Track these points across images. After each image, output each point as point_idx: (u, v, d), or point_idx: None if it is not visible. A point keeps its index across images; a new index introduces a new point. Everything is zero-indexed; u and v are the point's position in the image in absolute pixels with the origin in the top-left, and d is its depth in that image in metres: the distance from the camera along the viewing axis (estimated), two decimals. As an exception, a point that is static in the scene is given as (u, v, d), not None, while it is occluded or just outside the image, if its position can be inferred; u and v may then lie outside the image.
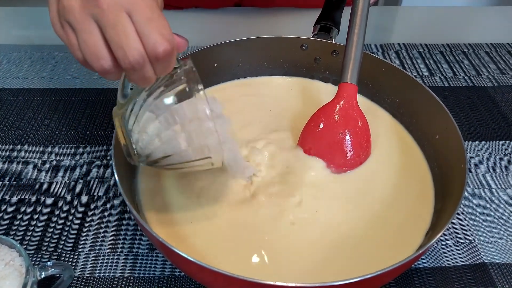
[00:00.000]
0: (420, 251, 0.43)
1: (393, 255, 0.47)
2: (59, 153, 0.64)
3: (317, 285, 0.39)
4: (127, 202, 0.44)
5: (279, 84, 0.71)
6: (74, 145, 0.65)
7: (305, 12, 0.93)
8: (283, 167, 0.56)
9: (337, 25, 0.69)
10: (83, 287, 0.50)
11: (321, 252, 0.49)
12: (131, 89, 0.44)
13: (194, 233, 0.50)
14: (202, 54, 0.64)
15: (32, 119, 0.70)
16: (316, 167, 0.56)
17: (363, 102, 0.66)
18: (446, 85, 0.78)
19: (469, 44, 0.88)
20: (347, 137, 0.56)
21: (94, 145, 0.65)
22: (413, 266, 0.52)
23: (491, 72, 0.82)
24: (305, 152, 0.58)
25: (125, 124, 0.43)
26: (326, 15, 0.69)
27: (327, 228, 0.51)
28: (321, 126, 0.57)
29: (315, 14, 0.71)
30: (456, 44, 0.88)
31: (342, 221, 0.52)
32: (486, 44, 0.89)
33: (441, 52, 0.86)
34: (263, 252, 0.49)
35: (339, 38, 0.68)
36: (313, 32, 0.68)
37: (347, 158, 0.57)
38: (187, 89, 0.42)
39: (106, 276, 0.51)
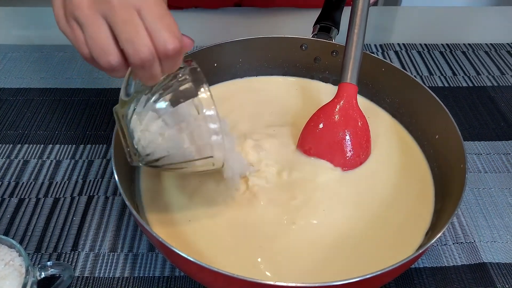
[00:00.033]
0: (420, 251, 0.43)
1: (393, 255, 0.47)
2: (59, 153, 0.64)
3: (317, 285, 0.39)
4: (127, 202, 0.44)
5: (279, 84, 0.71)
6: (74, 145, 0.65)
7: (305, 12, 0.93)
8: (282, 167, 0.56)
9: (337, 25, 0.69)
10: (83, 287, 0.50)
11: (321, 252, 0.49)
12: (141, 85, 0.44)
13: (194, 233, 0.50)
14: (202, 54, 0.64)
15: (31, 119, 0.70)
16: (316, 168, 0.56)
17: (363, 102, 0.66)
18: (446, 85, 0.78)
19: (469, 44, 0.88)
20: (347, 137, 0.56)
21: (93, 145, 0.65)
22: (413, 266, 0.52)
23: (490, 72, 0.82)
24: (305, 152, 0.58)
25: (127, 123, 0.43)
26: (326, 15, 0.69)
27: (327, 228, 0.51)
28: (321, 126, 0.57)
29: (315, 14, 0.71)
30: (455, 44, 0.88)
31: (342, 221, 0.52)
32: (485, 44, 0.89)
33: (441, 52, 0.86)
34: (263, 252, 0.49)
35: (339, 38, 0.68)
36: (313, 32, 0.68)
37: (347, 158, 0.57)
38: (192, 88, 0.42)
39: (106, 276, 0.51)
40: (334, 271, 0.47)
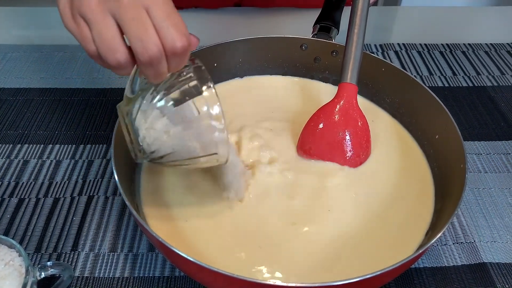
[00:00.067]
0: (420, 251, 0.43)
1: (393, 255, 0.47)
2: (59, 153, 0.64)
3: (317, 285, 0.39)
4: (127, 202, 0.44)
5: (278, 84, 0.71)
6: (74, 145, 0.65)
7: (305, 12, 0.93)
8: (282, 167, 0.56)
9: (337, 25, 0.69)
10: (83, 287, 0.50)
11: (320, 252, 0.49)
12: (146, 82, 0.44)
13: (194, 233, 0.50)
14: (202, 54, 0.64)
15: (31, 119, 0.70)
16: (316, 168, 0.56)
17: (363, 102, 0.66)
18: (446, 85, 0.78)
19: (469, 44, 0.88)
20: (347, 137, 0.56)
21: (93, 145, 0.65)
22: (413, 266, 0.52)
23: (490, 72, 0.82)
24: (305, 152, 0.58)
25: (132, 120, 0.43)
26: (325, 15, 0.69)
27: (327, 228, 0.51)
28: (321, 126, 0.57)
29: (315, 14, 0.71)
30: (455, 44, 0.88)
31: (341, 221, 0.52)
32: (485, 44, 0.89)
33: (441, 52, 0.86)
34: (263, 252, 0.49)
35: (339, 38, 0.68)
36: (312, 32, 0.68)
37: (347, 158, 0.57)
38: (197, 86, 0.42)
39: (106, 276, 0.51)
40: (334, 271, 0.47)
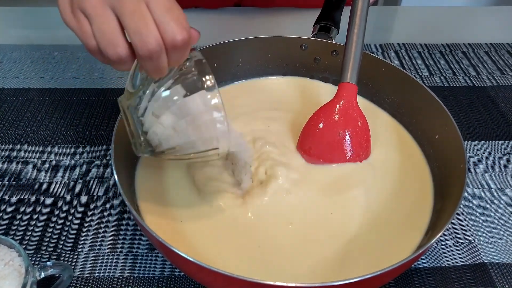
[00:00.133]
0: (420, 251, 0.43)
1: (393, 255, 0.47)
2: (59, 153, 0.64)
3: (317, 285, 0.39)
4: (127, 202, 0.44)
5: (278, 84, 0.71)
6: (74, 145, 0.65)
7: (305, 12, 0.93)
8: (281, 167, 0.56)
9: (337, 25, 0.69)
10: (83, 287, 0.50)
11: (320, 252, 0.49)
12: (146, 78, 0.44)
13: (193, 233, 0.50)
14: (202, 54, 0.64)
15: (31, 119, 0.70)
16: (315, 168, 0.56)
17: (363, 102, 0.66)
18: (446, 85, 0.78)
19: (469, 44, 0.88)
20: (347, 137, 0.56)
21: (93, 145, 0.65)
22: (413, 266, 0.52)
23: (490, 72, 0.82)
24: (304, 152, 0.58)
25: (133, 114, 0.43)
26: (325, 15, 0.70)
27: (326, 228, 0.51)
28: (321, 125, 0.57)
29: (315, 14, 0.71)
30: (455, 44, 0.88)
31: (341, 221, 0.52)
32: (485, 44, 0.89)
33: (441, 52, 0.86)
34: (263, 252, 0.49)
35: (339, 38, 0.68)
36: (312, 32, 0.68)
37: (347, 157, 0.57)
38: (198, 80, 0.42)
39: (105, 276, 0.51)
40: (333, 271, 0.47)
